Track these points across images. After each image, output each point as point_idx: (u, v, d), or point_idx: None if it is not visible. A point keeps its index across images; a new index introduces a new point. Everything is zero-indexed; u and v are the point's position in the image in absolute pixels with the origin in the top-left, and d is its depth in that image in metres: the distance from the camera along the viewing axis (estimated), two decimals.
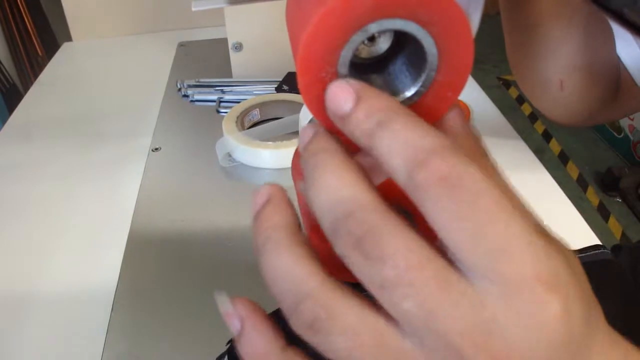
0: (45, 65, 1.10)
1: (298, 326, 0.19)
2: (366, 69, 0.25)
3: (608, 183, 2.14)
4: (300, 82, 0.22)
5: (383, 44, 0.25)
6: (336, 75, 0.22)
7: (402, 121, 0.20)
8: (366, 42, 0.24)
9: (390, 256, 0.18)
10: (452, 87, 0.23)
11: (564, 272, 0.18)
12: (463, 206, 0.18)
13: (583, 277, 0.20)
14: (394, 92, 0.24)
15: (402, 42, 0.25)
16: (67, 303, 0.54)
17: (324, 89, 0.22)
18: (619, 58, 0.59)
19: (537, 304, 0.17)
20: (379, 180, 0.22)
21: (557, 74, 0.60)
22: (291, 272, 0.20)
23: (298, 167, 0.32)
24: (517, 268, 0.17)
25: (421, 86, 0.23)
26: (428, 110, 0.24)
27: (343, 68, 0.22)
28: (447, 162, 0.18)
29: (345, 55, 0.22)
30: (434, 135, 0.19)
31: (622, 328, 0.45)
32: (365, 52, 0.25)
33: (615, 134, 2.33)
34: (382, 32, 0.24)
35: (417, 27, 0.21)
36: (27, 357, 0.49)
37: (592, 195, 2.14)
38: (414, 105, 0.24)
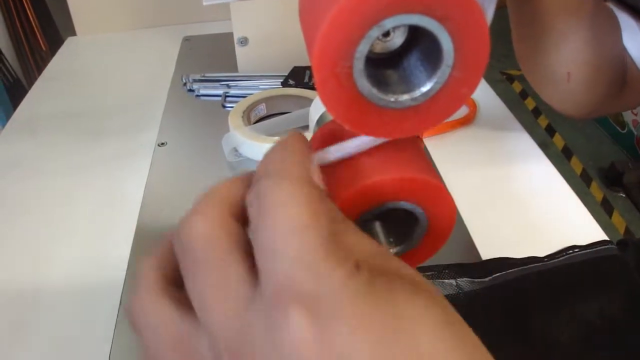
0: (48, 59, 1.10)
1: (127, 316, 0.22)
2: (380, 64, 0.25)
3: (612, 178, 2.13)
4: (316, 77, 0.22)
5: (397, 39, 0.25)
6: (351, 70, 0.22)
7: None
8: (380, 37, 0.24)
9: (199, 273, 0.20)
10: (467, 82, 0.23)
11: (336, 293, 0.17)
12: (265, 220, 0.19)
13: (373, 298, 0.18)
14: (409, 87, 0.24)
15: (417, 36, 0.25)
16: (76, 298, 0.54)
17: (339, 84, 0.22)
18: (625, 50, 0.59)
19: (282, 315, 0.17)
20: None
21: (564, 67, 0.60)
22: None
23: (316, 140, 0.31)
24: (279, 275, 0.18)
25: (436, 82, 0.23)
26: (443, 106, 0.24)
27: (359, 63, 0.22)
28: (264, 184, 0.20)
29: (362, 50, 0.22)
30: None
31: (629, 323, 0.45)
32: (379, 47, 0.25)
33: (619, 128, 2.33)
34: (397, 27, 0.23)
35: (433, 22, 0.21)
36: (37, 350, 0.49)
37: (596, 190, 2.13)
38: (428, 101, 0.23)
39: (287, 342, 0.17)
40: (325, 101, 0.23)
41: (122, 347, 0.48)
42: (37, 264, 0.58)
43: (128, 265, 0.56)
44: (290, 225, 0.18)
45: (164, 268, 0.23)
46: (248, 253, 0.20)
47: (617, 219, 1.99)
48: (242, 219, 0.22)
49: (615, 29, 0.58)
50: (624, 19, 0.59)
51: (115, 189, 0.69)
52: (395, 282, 0.19)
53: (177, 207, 0.64)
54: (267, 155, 0.23)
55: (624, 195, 2.08)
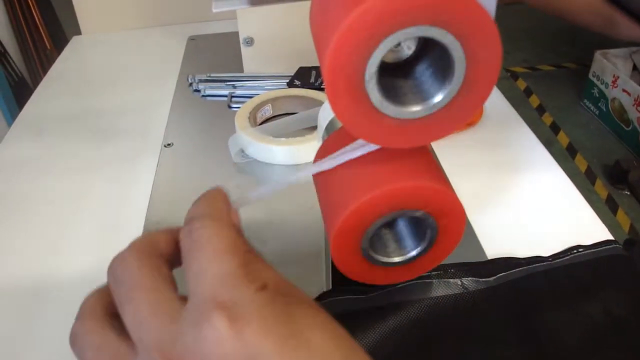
0: (53, 58, 1.10)
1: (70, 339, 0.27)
2: (391, 73, 0.25)
3: (616, 176, 2.13)
4: (328, 89, 0.22)
5: (408, 49, 0.25)
6: (364, 82, 0.22)
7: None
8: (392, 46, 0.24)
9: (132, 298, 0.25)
10: (479, 92, 0.23)
11: (246, 306, 0.23)
12: (195, 251, 0.25)
13: (293, 316, 0.24)
14: (421, 98, 0.24)
15: (427, 46, 0.25)
16: (82, 298, 0.54)
17: (352, 95, 0.23)
18: None
19: (206, 319, 0.22)
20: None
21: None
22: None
23: (321, 153, 0.32)
24: (203, 288, 0.23)
25: (449, 92, 0.23)
26: (455, 116, 0.24)
27: (371, 75, 0.22)
28: (195, 223, 0.26)
29: (374, 62, 0.22)
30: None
31: (636, 323, 0.45)
32: (390, 56, 0.25)
33: (624, 126, 2.32)
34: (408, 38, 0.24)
35: (446, 34, 0.21)
36: (43, 348, 0.49)
37: (601, 189, 2.13)
38: (441, 111, 0.24)
39: (210, 339, 0.22)
40: (337, 112, 0.23)
41: None
42: (42, 264, 0.58)
43: None
44: (214, 253, 0.24)
45: (103, 300, 0.28)
46: (174, 285, 0.25)
47: (622, 216, 1.98)
48: (166, 260, 0.27)
49: None
50: None
51: (122, 189, 0.69)
52: (293, 301, 0.25)
53: (184, 208, 0.64)
54: (195, 204, 0.29)
55: (628, 193, 2.08)
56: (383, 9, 0.20)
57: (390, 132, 0.24)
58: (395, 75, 0.26)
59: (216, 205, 0.29)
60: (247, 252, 0.27)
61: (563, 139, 2.42)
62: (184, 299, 0.24)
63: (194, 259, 0.24)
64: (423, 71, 0.25)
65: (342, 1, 0.22)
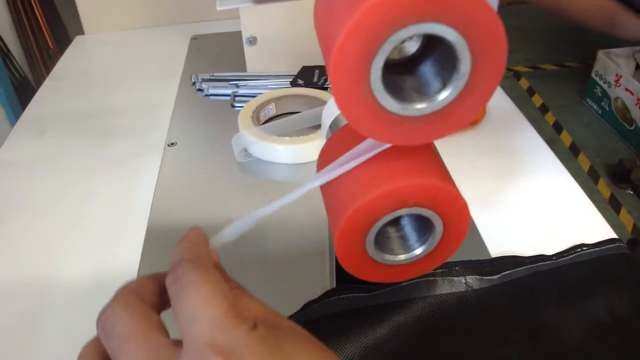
0: (56, 58, 1.10)
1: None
2: (397, 70, 0.25)
3: (619, 175, 2.12)
4: (334, 86, 0.22)
5: (413, 46, 0.25)
6: (369, 79, 0.22)
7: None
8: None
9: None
10: (484, 90, 0.23)
11: (241, 347, 0.23)
12: (185, 295, 0.25)
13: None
14: (426, 95, 0.24)
15: (432, 43, 0.25)
16: (86, 298, 0.54)
17: (357, 92, 0.23)
18: None
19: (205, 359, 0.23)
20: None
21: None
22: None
23: (322, 161, 0.32)
24: (198, 333, 0.24)
25: (453, 90, 0.23)
26: (460, 114, 0.24)
27: (377, 71, 0.22)
28: (181, 269, 0.26)
29: (380, 58, 0.22)
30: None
31: (638, 322, 0.45)
32: (395, 53, 0.25)
33: (626, 125, 2.32)
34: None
35: (451, 31, 0.21)
36: (44, 348, 0.50)
37: (604, 188, 2.12)
38: (446, 108, 0.24)
39: None
40: (342, 109, 0.23)
41: None
42: (46, 263, 0.58)
43: (139, 265, 0.56)
44: (204, 299, 0.25)
45: (98, 350, 0.28)
46: (165, 331, 0.26)
47: (624, 216, 1.98)
48: (153, 306, 0.28)
49: None
50: None
51: (125, 189, 0.69)
52: (283, 334, 0.26)
53: (188, 207, 0.64)
54: (177, 248, 0.29)
55: (631, 193, 2.07)
56: (389, 6, 0.20)
57: (395, 130, 0.24)
58: (401, 73, 0.26)
59: (198, 249, 0.29)
60: (233, 289, 0.28)
61: (566, 138, 2.41)
62: (177, 344, 0.25)
63: (185, 306, 0.25)
64: (428, 68, 0.25)
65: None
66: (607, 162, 2.24)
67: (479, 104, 0.24)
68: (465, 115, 0.24)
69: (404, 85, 0.25)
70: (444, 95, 0.23)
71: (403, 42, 0.25)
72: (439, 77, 0.24)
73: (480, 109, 0.24)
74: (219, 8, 0.44)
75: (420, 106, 0.24)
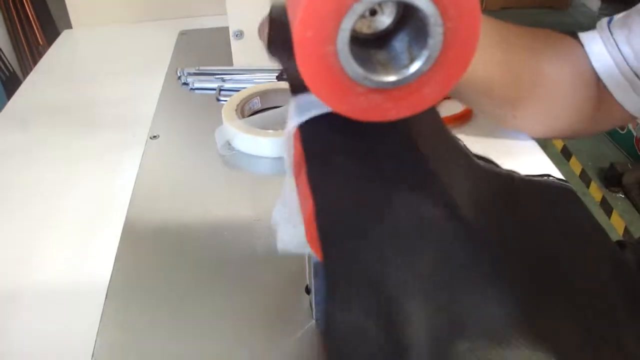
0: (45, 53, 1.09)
1: None
2: (369, 45, 0.24)
3: (611, 179, 2.12)
4: (299, 56, 0.21)
5: (386, 19, 0.24)
6: (336, 49, 0.21)
7: None
8: (367, 15, 0.23)
9: None
10: (458, 63, 0.22)
11: None
12: None
13: None
14: (397, 67, 0.23)
15: (406, 17, 0.24)
16: (60, 293, 0.53)
17: (324, 63, 0.21)
18: (594, 70, 0.60)
19: None
20: None
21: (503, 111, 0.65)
22: None
23: (297, 164, 0.30)
24: None
25: (425, 62, 0.22)
26: (432, 88, 0.23)
27: (344, 40, 0.21)
28: None
29: (346, 27, 0.21)
30: None
31: (632, 326, 0.44)
32: (367, 27, 0.24)
33: (618, 129, 2.32)
34: (384, 4, 0.22)
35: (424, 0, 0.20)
36: (19, 348, 0.48)
37: (595, 191, 2.12)
38: (417, 81, 0.22)
39: None
40: (308, 80, 0.22)
41: (107, 341, 0.47)
42: (21, 256, 0.57)
43: (115, 259, 0.55)
44: None
45: None
46: None
47: (616, 219, 1.98)
48: None
49: (568, 52, 0.61)
50: (589, 40, 0.60)
51: (106, 181, 0.67)
52: None
53: (168, 200, 0.63)
54: None
55: (623, 196, 2.07)
56: None
57: (358, 101, 0.23)
58: (374, 47, 0.24)
59: None
60: None
61: (558, 142, 2.42)
62: None
63: None
64: (400, 41, 0.24)
65: None
66: (599, 165, 2.24)
67: (453, 77, 0.22)
68: (438, 89, 0.23)
69: (376, 59, 0.24)
70: (417, 66, 0.22)
71: (374, 13, 0.24)
72: (412, 49, 0.23)
73: (455, 82, 0.23)
74: None
75: (387, 79, 0.22)
